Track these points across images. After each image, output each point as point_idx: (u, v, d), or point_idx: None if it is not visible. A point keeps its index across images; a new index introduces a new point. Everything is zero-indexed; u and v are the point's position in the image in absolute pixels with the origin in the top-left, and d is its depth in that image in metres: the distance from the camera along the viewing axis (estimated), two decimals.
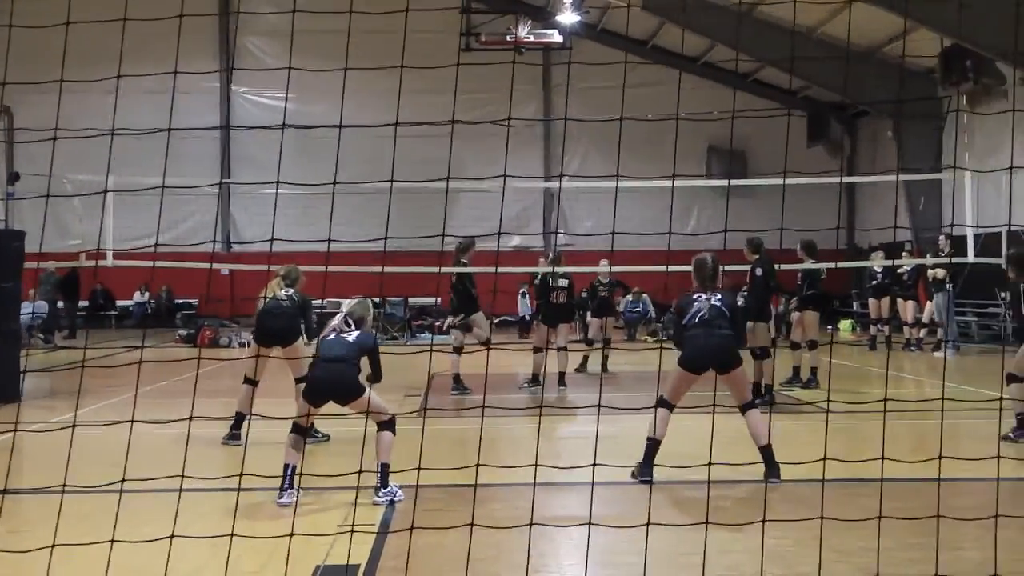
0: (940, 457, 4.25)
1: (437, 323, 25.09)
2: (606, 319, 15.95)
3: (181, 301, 28.94)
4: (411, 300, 25.60)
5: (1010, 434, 8.85)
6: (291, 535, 4.40)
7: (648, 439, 7.53)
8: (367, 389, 6.81)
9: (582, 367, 15.69)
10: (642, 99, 24.15)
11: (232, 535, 4.31)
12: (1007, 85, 20.73)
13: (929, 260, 18.89)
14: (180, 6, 4.52)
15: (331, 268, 15.72)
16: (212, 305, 26.86)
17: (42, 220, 5.67)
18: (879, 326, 19.63)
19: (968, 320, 22.46)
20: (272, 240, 6.50)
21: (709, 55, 28.60)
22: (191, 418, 4.45)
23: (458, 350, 12.92)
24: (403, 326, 24.89)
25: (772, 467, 7.39)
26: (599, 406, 4.56)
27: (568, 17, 27.61)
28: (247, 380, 9.22)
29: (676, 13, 24.54)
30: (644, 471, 7.46)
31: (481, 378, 12.72)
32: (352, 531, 5.04)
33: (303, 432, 6.95)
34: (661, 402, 7.63)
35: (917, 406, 10.61)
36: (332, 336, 7.15)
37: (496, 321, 21.31)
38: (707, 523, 4.33)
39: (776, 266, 12.23)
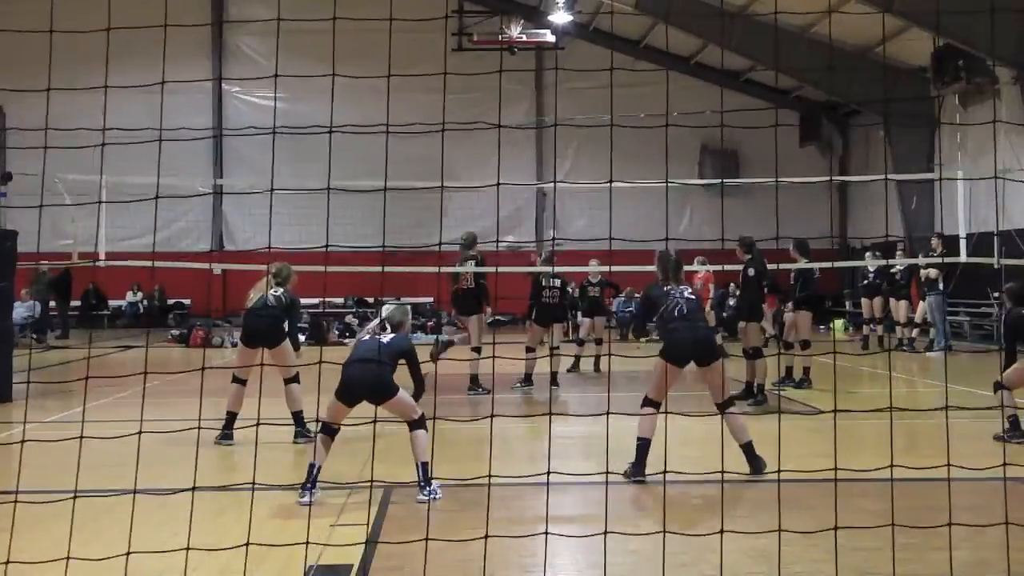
0: (948, 465, 4.27)
1: (430, 323, 25.10)
2: (595, 319, 15.94)
3: (173, 301, 28.90)
4: (405, 300, 25.58)
5: (1003, 435, 8.89)
6: (306, 543, 4.39)
7: (639, 439, 7.57)
8: (400, 389, 6.94)
9: (574, 367, 15.70)
10: (634, 99, 24.11)
11: (248, 544, 4.30)
12: (999, 85, 20.79)
13: (922, 260, 18.93)
14: (172, 10, 4.51)
15: (329, 268, 15.71)
16: (210, 306, 26.87)
17: (35, 220, 5.64)
18: (872, 326, 19.67)
19: (960, 320, 22.52)
20: (269, 248, 6.49)
21: (701, 55, 28.64)
22: (199, 428, 4.43)
23: (477, 350, 12.91)
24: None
25: (755, 462, 7.57)
26: (608, 412, 4.52)
27: (560, 17, 27.62)
28: (236, 379, 9.20)
29: (668, 13, 24.55)
30: (636, 471, 7.51)
31: (464, 379, 12.81)
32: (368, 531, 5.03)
33: (331, 432, 6.95)
34: (647, 401, 7.67)
35: (912, 405, 10.63)
36: (367, 337, 7.25)
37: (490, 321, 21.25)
38: (722, 532, 4.32)
39: (774, 265, 12.24)
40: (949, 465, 4.30)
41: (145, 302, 28.96)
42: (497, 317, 25.69)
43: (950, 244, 17.22)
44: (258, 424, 4.50)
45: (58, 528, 5.40)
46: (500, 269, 13.99)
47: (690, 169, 28.00)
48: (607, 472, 4.80)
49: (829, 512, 4.78)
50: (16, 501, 4.36)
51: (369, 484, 5.40)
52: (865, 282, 19.78)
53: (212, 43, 29.72)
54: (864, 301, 19.90)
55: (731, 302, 19.78)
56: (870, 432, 9.03)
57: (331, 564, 5.23)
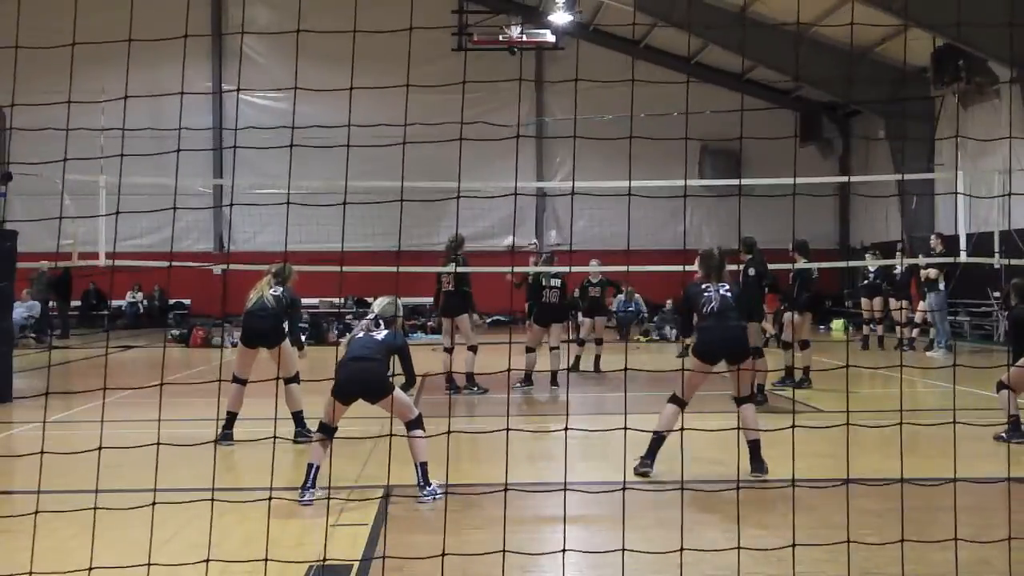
0: (956, 478, 4.26)
1: (430, 323, 25.09)
2: (596, 319, 15.94)
3: (173, 301, 28.90)
4: (404, 300, 25.53)
5: (1002, 435, 8.88)
6: (319, 557, 4.38)
7: (654, 433, 7.59)
8: (396, 387, 6.93)
9: (574, 367, 15.69)
10: (636, 99, 24.10)
11: (266, 554, 4.30)
12: (999, 85, 20.78)
13: (922, 260, 18.92)
14: (172, 10, 4.50)
15: (328, 268, 15.72)
16: (212, 306, 26.85)
17: (35, 220, 5.64)
18: (872, 326, 19.66)
19: (961, 320, 22.52)
20: (286, 251, 6.49)
21: (701, 55, 28.63)
22: (215, 441, 4.42)
23: (473, 349, 12.92)
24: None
25: (758, 462, 7.56)
26: (624, 414, 4.52)
27: (561, 17, 27.61)
28: (236, 380, 9.19)
29: (669, 13, 24.56)
30: (645, 462, 7.55)
31: (461, 379, 12.82)
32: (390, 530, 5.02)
33: (329, 432, 6.95)
34: (673, 399, 7.67)
35: (913, 406, 10.63)
36: (361, 335, 7.23)
37: (488, 321, 21.28)
38: (740, 548, 4.31)
39: (773, 266, 12.25)
40: (956, 479, 4.29)
41: (145, 302, 28.96)
42: (498, 317, 25.77)
43: (950, 244, 17.21)
44: (275, 429, 4.49)
45: (64, 530, 5.40)
46: (498, 269, 14.02)
47: (690, 169, 27.97)
48: (593, 469, 4.78)
49: (832, 512, 4.78)
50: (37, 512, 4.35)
51: (369, 485, 5.39)
52: (865, 282, 19.78)
53: (212, 43, 29.71)
54: (864, 301, 19.91)
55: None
56: (872, 432, 9.01)
57: (331, 564, 5.22)
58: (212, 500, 4.27)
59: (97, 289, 28.23)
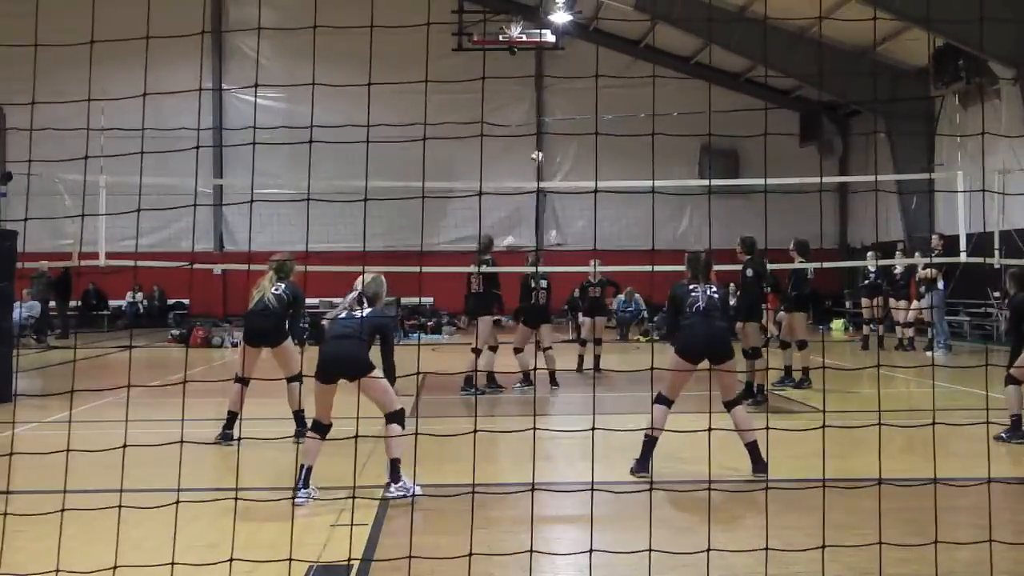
0: (935, 480, 4.26)
1: (430, 323, 25.10)
2: (596, 319, 15.91)
3: (173, 301, 28.91)
4: (403, 300, 25.59)
5: (1002, 434, 8.85)
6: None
7: (646, 435, 7.57)
8: (377, 368, 6.86)
9: (578, 368, 15.67)
10: (635, 99, 24.15)
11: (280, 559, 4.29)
12: (999, 84, 20.79)
13: (921, 260, 18.90)
14: (172, 10, 4.50)
15: (326, 268, 15.72)
16: (214, 307, 26.95)
17: (35, 220, 5.64)
18: (872, 326, 19.66)
19: (960, 320, 22.52)
20: (307, 252, 6.49)
21: (701, 55, 28.63)
22: (239, 439, 4.42)
23: (493, 348, 12.90)
24: (395, 326, 24.88)
25: (759, 463, 7.50)
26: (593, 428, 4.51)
27: (560, 17, 27.60)
28: (238, 379, 9.18)
29: (667, 13, 24.57)
30: (641, 467, 7.52)
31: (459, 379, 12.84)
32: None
33: (322, 431, 6.94)
34: (659, 398, 7.65)
35: (913, 406, 10.64)
36: (343, 314, 7.14)
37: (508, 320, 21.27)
38: (764, 548, 4.30)
39: (773, 266, 12.26)
40: (935, 480, 4.29)
41: (145, 302, 28.97)
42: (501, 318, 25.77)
43: (950, 244, 17.21)
44: (297, 430, 4.49)
45: (57, 532, 5.40)
46: (501, 270, 14.01)
47: (690, 170, 27.94)
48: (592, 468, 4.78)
49: (829, 512, 4.77)
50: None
51: (368, 486, 5.39)
52: (866, 282, 19.79)
53: (212, 43, 29.70)
54: (864, 301, 19.91)
55: (731, 302, 19.76)
56: (872, 432, 9.00)
57: (331, 564, 5.22)
58: (236, 499, 4.27)
59: (97, 289, 28.23)
